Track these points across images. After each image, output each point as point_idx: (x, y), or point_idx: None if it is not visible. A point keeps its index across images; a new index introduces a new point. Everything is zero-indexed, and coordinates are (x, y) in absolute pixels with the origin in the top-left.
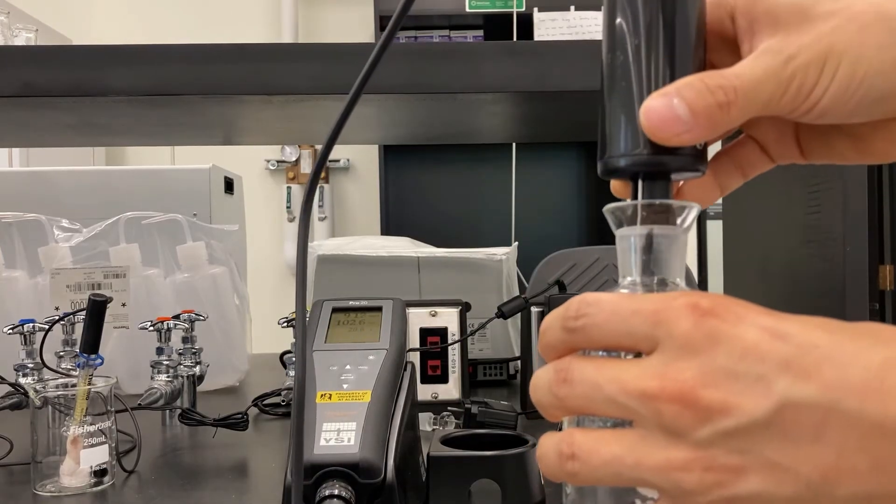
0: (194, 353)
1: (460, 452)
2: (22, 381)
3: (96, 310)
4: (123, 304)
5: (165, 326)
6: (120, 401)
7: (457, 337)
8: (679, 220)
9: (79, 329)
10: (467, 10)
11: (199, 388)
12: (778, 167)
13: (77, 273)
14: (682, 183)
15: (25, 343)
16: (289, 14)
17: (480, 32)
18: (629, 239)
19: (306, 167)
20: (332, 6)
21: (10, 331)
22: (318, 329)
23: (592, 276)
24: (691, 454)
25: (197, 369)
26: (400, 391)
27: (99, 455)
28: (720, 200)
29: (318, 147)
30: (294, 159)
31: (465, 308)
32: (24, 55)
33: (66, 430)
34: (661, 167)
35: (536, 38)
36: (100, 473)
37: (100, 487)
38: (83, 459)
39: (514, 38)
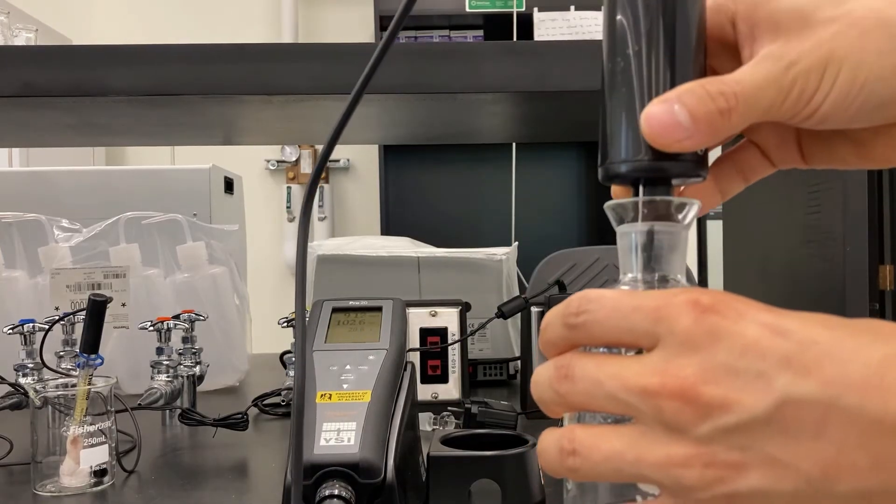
0: (194, 353)
1: (460, 452)
2: (22, 381)
3: (96, 310)
4: (123, 304)
5: (165, 326)
6: (120, 401)
7: (457, 337)
8: (680, 217)
9: (79, 329)
10: (467, 10)
11: (199, 388)
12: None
13: (77, 273)
14: (682, 188)
15: (25, 343)
16: (289, 14)
17: (480, 32)
18: (630, 235)
19: (306, 167)
20: (332, 6)
21: (10, 331)
22: (318, 329)
23: (592, 276)
24: (692, 450)
25: (197, 369)
26: (400, 391)
27: (99, 455)
28: None
29: (318, 147)
30: (294, 159)
31: (465, 308)
32: (24, 55)
33: (66, 430)
34: (662, 173)
35: (536, 38)
36: (100, 473)
37: (100, 487)
38: (83, 459)
39: (514, 38)
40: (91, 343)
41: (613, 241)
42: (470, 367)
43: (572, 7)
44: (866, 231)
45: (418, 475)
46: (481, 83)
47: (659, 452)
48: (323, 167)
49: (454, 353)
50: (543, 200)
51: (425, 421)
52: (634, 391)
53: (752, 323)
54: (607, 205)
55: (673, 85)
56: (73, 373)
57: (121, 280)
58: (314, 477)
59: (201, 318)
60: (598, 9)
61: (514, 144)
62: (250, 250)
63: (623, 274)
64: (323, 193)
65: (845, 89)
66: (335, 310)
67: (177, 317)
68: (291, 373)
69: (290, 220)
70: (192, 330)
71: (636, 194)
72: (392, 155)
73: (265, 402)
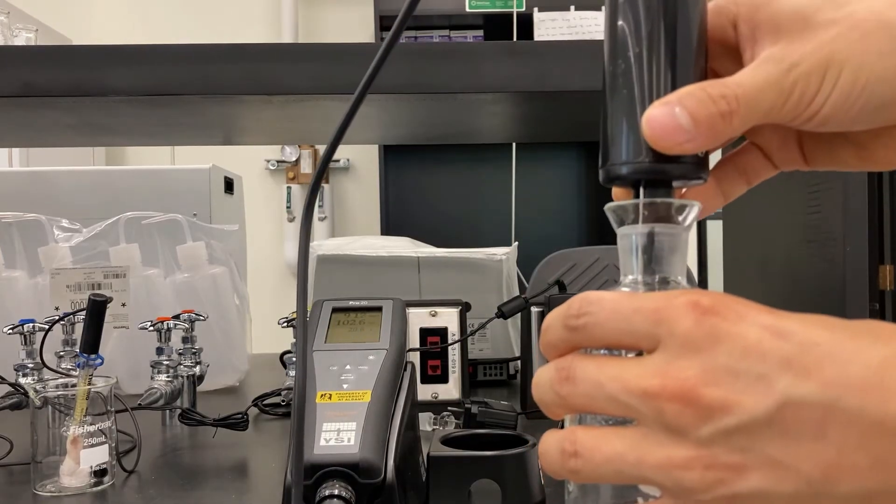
0: (194, 353)
1: (460, 452)
2: (22, 381)
3: (96, 310)
4: (123, 304)
5: (165, 326)
6: (120, 401)
7: (457, 337)
8: (680, 219)
9: (79, 329)
10: (467, 10)
11: (199, 388)
12: None
13: (77, 273)
14: (684, 190)
15: (25, 343)
16: (289, 14)
17: (480, 32)
18: (631, 237)
19: (306, 167)
20: (332, 6)
21: (10, 331)
22: (318, 329)
23: (592, 276)
24: (693, 452)
25: (197, 369)
26: (400, 391)
27: (99, 455)
28: None
29: (318, 147)
30: (294, 159)
31: (465, 308)
32: (24, 55)
33: (66, 430)
34: (662, 175)
35: (536, 38)
36: (100, 473)
37: (100, 487)
38: (83, 459)
39: (514, 38)
40: (91, 343)
41: (613, 241)
42: (470, 367)
43: (572, 7)
44: (866, 231)
45: (418, 475)
46: (481, 83)
47: (660, 454)
48: (324, 170)
49: (454, 353)
50: (543, 200)
51: (425, 421)
52: (635, 393)
53: (753, 325)
54: (608, 206)
55: (674, 87)
56: (73, 373)
57: (121, 280)
58: (314, 477)
59: (201, 318)
60: (598, 9)
61: (514, 144)
62: (250, 250)
63: (624, 275)
64: (323, 193)
65: (846, 91)
66: (335, 310)
67: (177, 317)
68: (291, 373)
69: (290, 220)
70: (192, 330)
71: (637, 196)
72: (392, 155)
73: (265, 402)
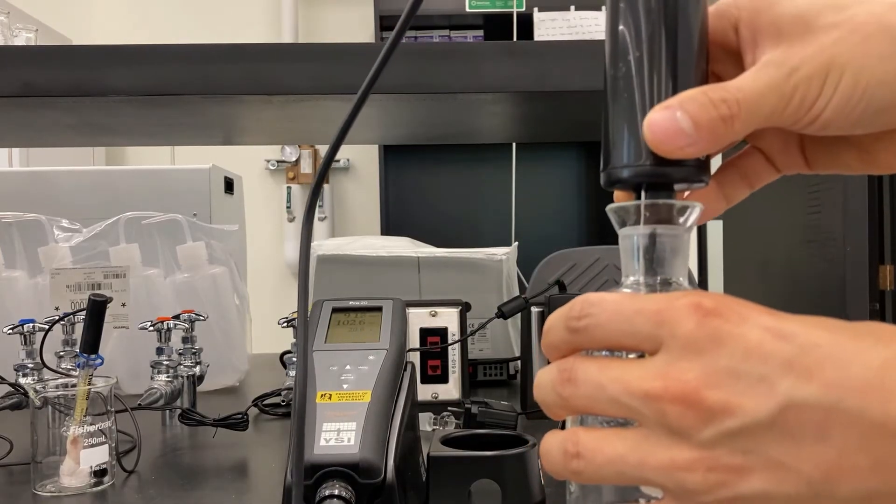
0: (194, 353)
1: (460, 452)
2: (22, 381)
3: (96, 310)
4: (123, 304)
5: (165, 326)
6: (120, 401)
7: (457, 337)
8: (682, 220)
9: (79, 329)
10: (467, 10)
11: (199, 388)
12: None
13: (77, 273)
14: (686, 194)
15: (25, 343)
16: (289, 14)
17: (480, 32)
18: (632, 238)
19: (306, 167)
20: (332, 6)
21: (10, 331)
22: (318, 329)
23: (592, 277)
24: (695, 454)
25: (197, 369)
26: (400, 391)
27: (99, 455)
28: None
29: (319, 147)
30: (294, 159)
31: (465, 308)
32: (24, 55)
33: (66, 430)
34: (664, 178)
35: (536, 38)
36: (100, 473)
37: (100, 487)
38: (83, 459)
39: (514, 38)
40: (91, 343)
41: (613, 242)
42: (470, 367)
43: (572, 7)
44: (866, 231)
45: (418, 475)
46: (481, 83)
47: (662, 456)
48: (326, 172)
49: (454, 353)
50: (543, 200)
51: (425, 421)
52: (637, 395)
53: (755, 326)
54: (609, 208)
55: (675, 91)
56: (73, 373)
57: (121, 280)
58: (314, 477)
59: (201, 318)
60: (598, 9)
61: (514, 144)
62: (250, 250)
63: (625, 277)
64: (323, 193)
65: (847, 95)
66: (335, 310)
67: (177, 317)
68: (291, 373)
69: (290, 220)
70: (192, 330)
71: (638, 199)
72: (392, 155)
73: (265, 402)
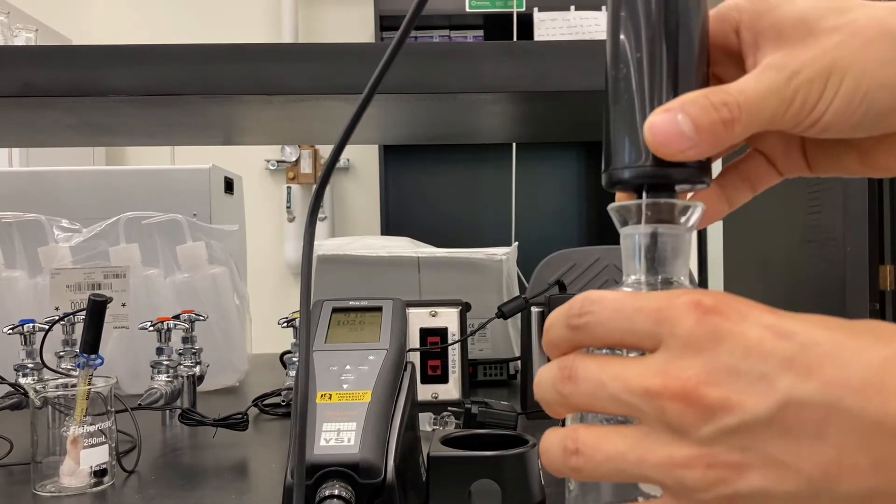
0: (194, 353)
1: (460, 452)
2: (22, 381)
3: (96, 310)
4: (123, 304)
5: (165, 326)
6: (120, 401)
7: (457, 337)
8: (683, 220)
9: (79, 329)
10: (467, 10)
11: (199, 388)
12: None
13: (77, 273)
14: (690, 195)
15: (25, 343)
16: (289, 14)
17: (480, 32)
18: (634, 237)
19: (306, 167)
20: (332, 6)
21: (10, 331)
22: (318, 329)
23: (592, 277)
24: (694, 451)
25: (197, 369)
26: (400, 391)
27: (99, 455)
28: None
29: (319, 147)
30: (294, 159)
31: (465, 308)
32: (24, 55)
33: (66, 430)
34: (665, 179)
35: (536, 38)
36: (100, 473)
37: (100, 487)
38: (83, 459)
39: (514, 38)
40: (91, 343)
41: (613, 242)
42: (470, 367)
43: (572, 7)
44: (866, 231)
45: (418, 475)
46: (481, 83)
47: (661, 453)
48: (329, 175)
49: (454, 354)
50: (543, 200)
51: (425, 421)
52: (637, 392)
53: (755, 324)
54: (611, 207)
55: (676, 93)
56: (73, 373)
57: (121, 280)
58: (314, 477)
59: (201, 318)
60: (598, 9)
61: (514, 144)
62: (250, 250)
63: (626, 275)
64: None
65: (848, 98)
66: (335, 310)
67: (177, 317)
68: (291, 373)
69: (290, 220)
70: (192, 330)
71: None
72: (392, 155)
73: (265, 403)
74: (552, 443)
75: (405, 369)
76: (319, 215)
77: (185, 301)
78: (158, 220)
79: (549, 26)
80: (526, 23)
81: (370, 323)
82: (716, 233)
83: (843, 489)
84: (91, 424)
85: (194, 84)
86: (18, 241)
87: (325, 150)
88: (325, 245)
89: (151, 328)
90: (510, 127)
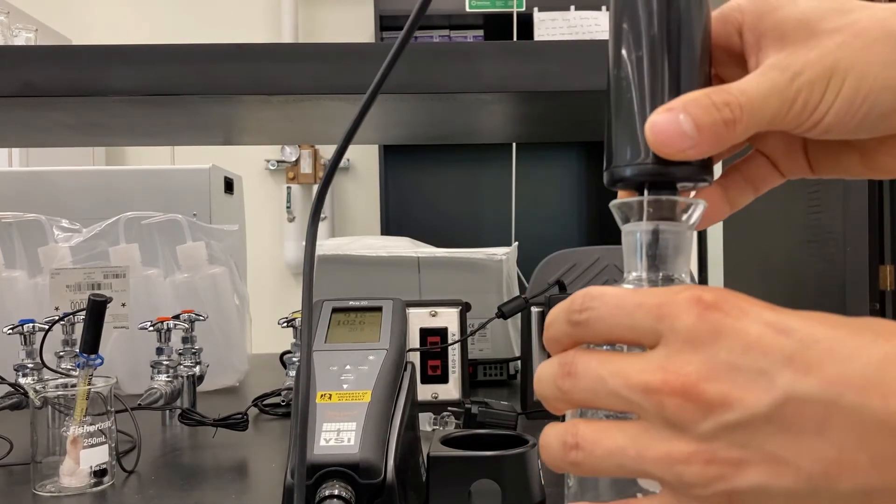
0: (194, 354)
1: (460, 452)
2: (22, 381)
3: (96, 310)
4: (123, 304)
5: (165, 326)
6: (120, 401)
7: (457, 337)
8: (685, 217)
9: (79, 329)
10: (467, 9)
11: (199, 388)
12: None
13: (77, 273)
14: (693, 194)
15: (25, 343)
16: (289, 14)
17: (480, 32)
18: (635, 234)
19: (306, 167)
20: (332, 6)
21: (10, 331)
22: (318, 329)
23: (592, 277)
24: (693, 447)
25: (197, 369)
26: (400, 391)
27: (99, 455)
28: None
29: (319, 147)
30: (294, 159)
31: (465, 308)
32: (24, 55)
33: (65, 431)
34: (666, 177)
35: (536, 38)
36: (100, 473)
37: (100, 487)
38: (83, 459)
39: (514, 38)
40: (91, 343)
41: (613, 242)
42: (470, 367)
43: (572, 7)
44: (866, 231)
45: (418, 475)
46: (481, 83)
47: (660, 449)
48: (332, 176)
49: (454, 354)
50: (543, 200)
51: (425, 421)
52: (637, 388)
53: (755, 321)
54: (613, 203)
55: (678, 93)
56: (73, 373)
57: (121, 280)
58: (314, 477)
59: (201, 318)
60: (599, 9)
61: (514, 144)
62: (250, 250)
63: (627, 272)
64: None
65: (849, 99)
66: (335, 310)
67: (177, 317)
68: (291, 373)
69: (290, 220)
70: (192, 330)
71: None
72: (392, 155)
73: (265, 403)
74: (552, 437)
75: (405, 369)
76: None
77: (185, 301)
78: (158, 220)
79: (549, 26)
80: (526, 23)
81: (370, 323)
82: (716, 233)
83: (842, 486)
84: (91, 424)
85: (194, 84)
86: (18, 241)
87: (325, 150)
88: (325, 245)
89: (151, 328)
90: (510, 127)
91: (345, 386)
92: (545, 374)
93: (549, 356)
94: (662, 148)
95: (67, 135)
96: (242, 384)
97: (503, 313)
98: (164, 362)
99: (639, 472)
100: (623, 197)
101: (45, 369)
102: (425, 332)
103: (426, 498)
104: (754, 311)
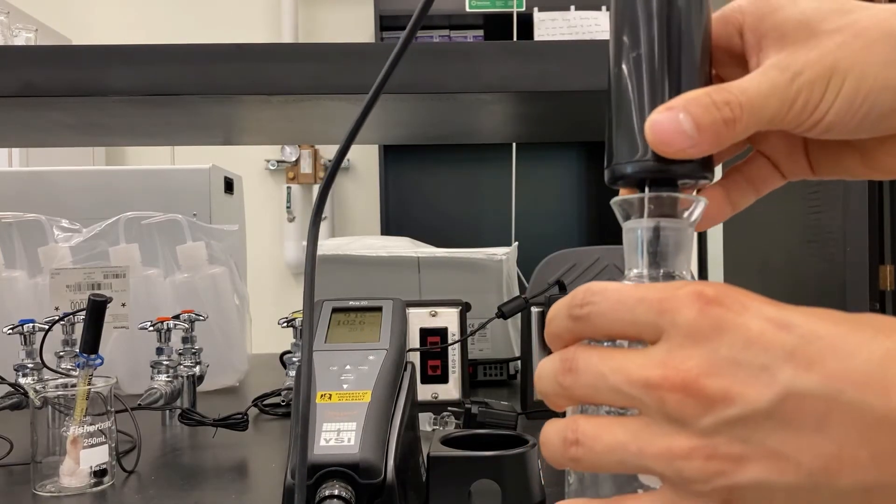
0: (194, 354)
1: (460, 452)
2: (22, 381)
3: (96, 310)
4: (123, 304)
5: (165, 326)
6: (120, 401)
7: (457, 337)
8: (686, 214)
9: (79, 329)
10: (467, 10)
11: (199, 388)
12: None
13: (77, 273)
14: (696, 192)
15: (25, 343)
16: (289, 14)
17: (480, 32)
18: (636, 231)
19: (306, 167)
20: (332, 6)
21: (10, 331)
22: (318, 329)
23: (592, 277)
24: (694, 442)
25: (197, 369)
26: (400, 391)
27: (99, 455)
28: None
29: (319, 147)
30: (294, 159)
31: (465, 308)
32: (24, 55)
33: (65, 431)
34: (667, 174)
35: (536, 38)
36: (100, 473)
37: (100, 488)
38: (83, 459)
39: (514, 38)
40: (91, 343)
41: (613, 242)
42: (470, 367)
43: (572, 7)
44: (866, 231)
45: (418, 475)
46: (481, 83)
47: (661, 444)
48: (333, 177)
49: (454, 354)
50: (543, 200)
51: (425, 421)
52: (638, 384)
53: (756, 316)
54: (614, 200)
55: (678, 92)
56: (73, 373)
57: (121, 280)
58: (314, 477)
59: (201, 318)
60: (599, 9)
61: (514, 144)
62: (250, 250)
63: (628, 269)
64: None
65: (849, 99)
66: (335, 310)
67: (177, 317)
68: (291, 373)
69: (290, 220)
70: (192, 330)
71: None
72: (392, 155)
73: (265, 403)
74: (552, 433)
75: (405, 369)
76: None
77: (185, 301)
78: (158, 220)
79: (549, 26)
80: (526, 23)
81: (370, 323)
82: (716, 233)
83: (842, 482)
84: (91, 424)
85: (194, 84)
86: (18, 241)
87: (325, 150)
88: (325, 245)
89: (151, 328)
90: (510, 127)
91: (345, 386)
92: (546, 371)
93: (549, 355)
94: (662, 147)
95: (67, 135)
96: (242, 384)
97: (503, 313)
98: (164, 362)
99: (639, 468)
100: (624, 194)
101: (45, 369)
102: (425, 332)
103: (426, 498)
104: (755, 307)
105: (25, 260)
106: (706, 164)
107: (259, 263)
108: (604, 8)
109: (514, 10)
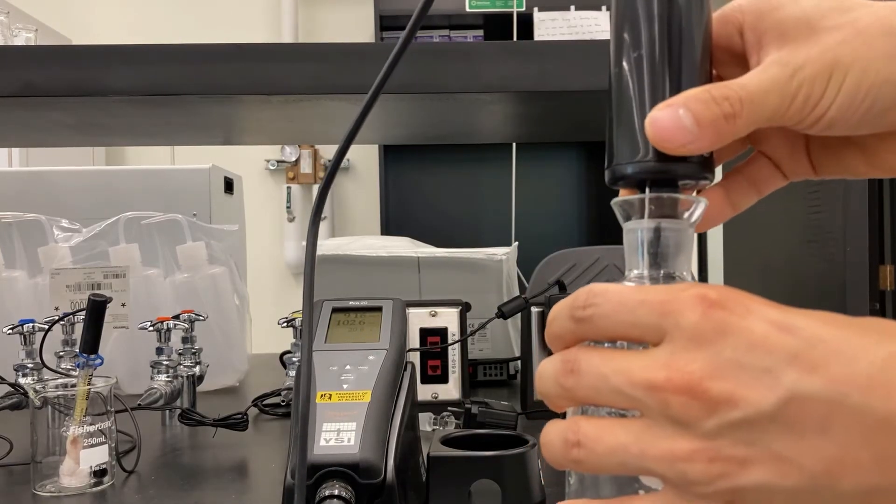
0: (194, 354)
1: (460, 452)
2: (22, 381)
3: (96, 310)
4: (123, 304)
5: (165, 326)
6: (120, 401)
7: (457, 337)
8: (686, 215)
9: (79, 329)
10: (467, 10)
11: (198, 388)
12: None
13: (77, 273)
14: (696, 192)
15: (25, 343)
16: (289, 14)
17: (480, 32)
18: (637, 232)
19: (306, 167)
20: (332, 6)
21: (10, 331)
22: (318, 329)
23: (592, 277)
24: (697, 445)
25: (197, 369)
26: (400, 391)
27: (99, 455)
28: None
29: (318, 147)
30: (294, 159)
31: (465, 308)
32: (24, 55)
33: (65, 431)
34: (668, 174)
35: (536, 37)
36: (99, 473)
37: (99, 487)
38: (83, 459)
39: (514, 38)
40: (91, 343)
41: (613, 242)
42: (470, 367)
43: (572, 7)
44: (866, 231)
45: (418, 475)
46: (481, 83)
47: (663, 446)
48: (333, 177)
49: (454, 353)
50: (543, 200)
51: (425, 421)
52: (640, 386)
53: (760, 319)
54: (615, 201)
55: (679, 89)
56: (73, 373)
57: (121, 280)
58: (314, 477)
59: (201, 318)
60: (599, 9)
61: (514, 144)
62: (250, 250)
63: (629, 270)
64: None
65: (851, 94)
66: (335, 310)
67: (177, 317)
68: (291, 373)
69: (290, 220)
70: (192, 330)
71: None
72: (392, 155)
73: (265, 403)
74: (553, 435)
75: (405, 369)
76: None
77: (185, 301)
78: (158, 220)
79: (549, 26)
80: (526, 23)
81: (370, 323)
82: (716, 233)
83: (845, 485)
84: (91, 424)
85: (194, 84)
86: (18, 241)
87: (325, 150)
88: (325, 245)
89: (151, 328)
90: (510, 127)
91: (345, 386)
92: (547, 372)
93: (549, 355)
94: (663, 143)
95: (67, 135)
96: (242, 384)
97: (503, 313)
98: (164, 362)
99: (641, 470)
100: (624, 195)
101: (45, 369)
102: (425, 332)
103: (426, 498)
104: (759, 310)
105: (25, 260)
106: (707, 165)
107: (259, 263)
108: (604, 8)
109: (514, 10)
